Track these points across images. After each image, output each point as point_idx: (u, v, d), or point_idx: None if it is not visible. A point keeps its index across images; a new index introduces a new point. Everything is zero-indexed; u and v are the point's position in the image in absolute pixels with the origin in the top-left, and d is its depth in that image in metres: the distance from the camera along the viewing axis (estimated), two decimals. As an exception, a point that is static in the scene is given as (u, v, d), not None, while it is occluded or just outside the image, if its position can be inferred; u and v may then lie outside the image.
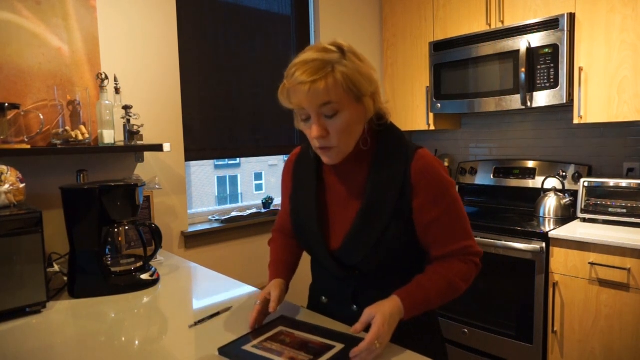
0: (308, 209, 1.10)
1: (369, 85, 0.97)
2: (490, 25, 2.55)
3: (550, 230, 2.12)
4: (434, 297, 0.99)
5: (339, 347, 0.95)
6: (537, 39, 2.30)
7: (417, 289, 0.99)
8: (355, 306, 1.09)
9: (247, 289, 1.43)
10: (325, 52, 0.94)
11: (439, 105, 2.76)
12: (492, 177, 2.90)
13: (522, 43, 2.33)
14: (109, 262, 1.49)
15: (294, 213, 1.14)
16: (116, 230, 1.50)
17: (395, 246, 1.02)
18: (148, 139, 2.06)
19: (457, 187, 0.96)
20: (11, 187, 1.35)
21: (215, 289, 1.46)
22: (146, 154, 2.10)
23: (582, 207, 2.25)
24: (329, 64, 0.93)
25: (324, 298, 1.17)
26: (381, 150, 1.04)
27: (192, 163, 2.46)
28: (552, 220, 2.37)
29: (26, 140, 1.71)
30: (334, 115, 0.95)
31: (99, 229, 1.44)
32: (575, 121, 2.27)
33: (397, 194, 1.00)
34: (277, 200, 2.78)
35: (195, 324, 1.15)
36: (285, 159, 3.16)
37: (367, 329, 0.94)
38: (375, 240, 1.00)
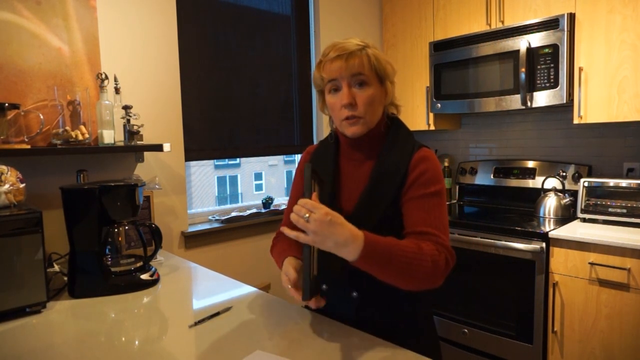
0: (324, 191, 1.16)
1: (391, 70, 1.12)
2: (490, 25, 2.55)
3: (550, 230, 2.12)
4: (396, 253, 0.94)
5: None
6: (537, 39, 2.30)
7: (384, 239, 0.96)
8: (355, 293, 1.11)
9: (247, 289, 1.43)
10: (355, 40, 1.09)
11: (439, 105, 2.76)
12: (492, 177, 2.90)
13: (522, 43, 2.33)
14: (109, 262, 1.49)
15: None
16: (116, 230, 1.50)
17: (395, 229, 1.06)
18: (148, 139, 2.06)
19: (446, 194, 1.02)
20: (11, 187, 1.35)
21: (215, 289, 1.46)
22: (146, 154, 2.10)
23: (582, 207, 2.25)
24: (361, 46, 1.08)
25: (324, 286, 1.17)
26: (391, 139, 1.14)
27: (192, 163, 2.46)
28: (552, 220, 2.37)
29: (26, 140, 1.71)
30: (362, 86, 1.08)
31: (99, 229, 1.44)
32: (575, 121, 2.27)
33: (399, 182, 1.07)
34: (277, 201, 2.78)
35: (195, 324, 1.16)
36: (285, 159, 3.18)
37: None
38: (374, 222, 1.05)
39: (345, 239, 0.89)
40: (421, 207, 1.05)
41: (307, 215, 0.88)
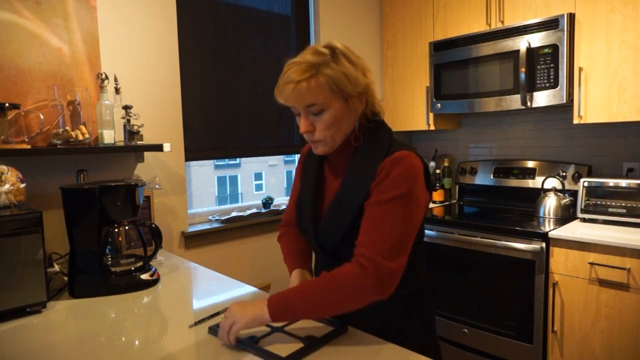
0: (307, 194, 1.18)
1: (354, 87, 1.02)
2: (490, 25, 2.55)
3: (550, 230, 2.12)
4: (306, 292, 0.97)
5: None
6: (537, 39, 2.30)
7: (291, 288, 1.01)
8: None
9: (247, 289, 1.43)
10: (316, 55, 1.01)
11: (439, 105, 2.77)
12: (492, 177, 2.90)
13: (522, 43, 2.33)
14: (109, 262, 1.49)
15: (299, 200, 1.22)
16: (116, 230, 1.50)
17: None
18: (148, 139, 2.06)
19: (427, 206, 0.95)
20: (11, 187, 1.35)
21: (215, 289, 1.46)
22: (146, 154, 2.10)
23: (582, 207, 2.25)
24: (315, 67, 0.99)
25: None
26: (363, 147, 1.08)
27: (192, 163, 2.46)
28: (552, 220, 2.37)
29: (26, 140, 1.71)
30: (319, 113, 1.03)
31: (99, 229, 1.45)
32: (575, 121, 2.27)
33: (365, 192, 1.02)
34: (277, 201, 2.78)
35: (195, 324, 1.16)
36: (285, 159, 3.18)
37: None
38: (343, 232, 1.05)
39: (247, 304, 1.00)
40: (368, 218, 0.99)
41: (227, 325, 1.00)
